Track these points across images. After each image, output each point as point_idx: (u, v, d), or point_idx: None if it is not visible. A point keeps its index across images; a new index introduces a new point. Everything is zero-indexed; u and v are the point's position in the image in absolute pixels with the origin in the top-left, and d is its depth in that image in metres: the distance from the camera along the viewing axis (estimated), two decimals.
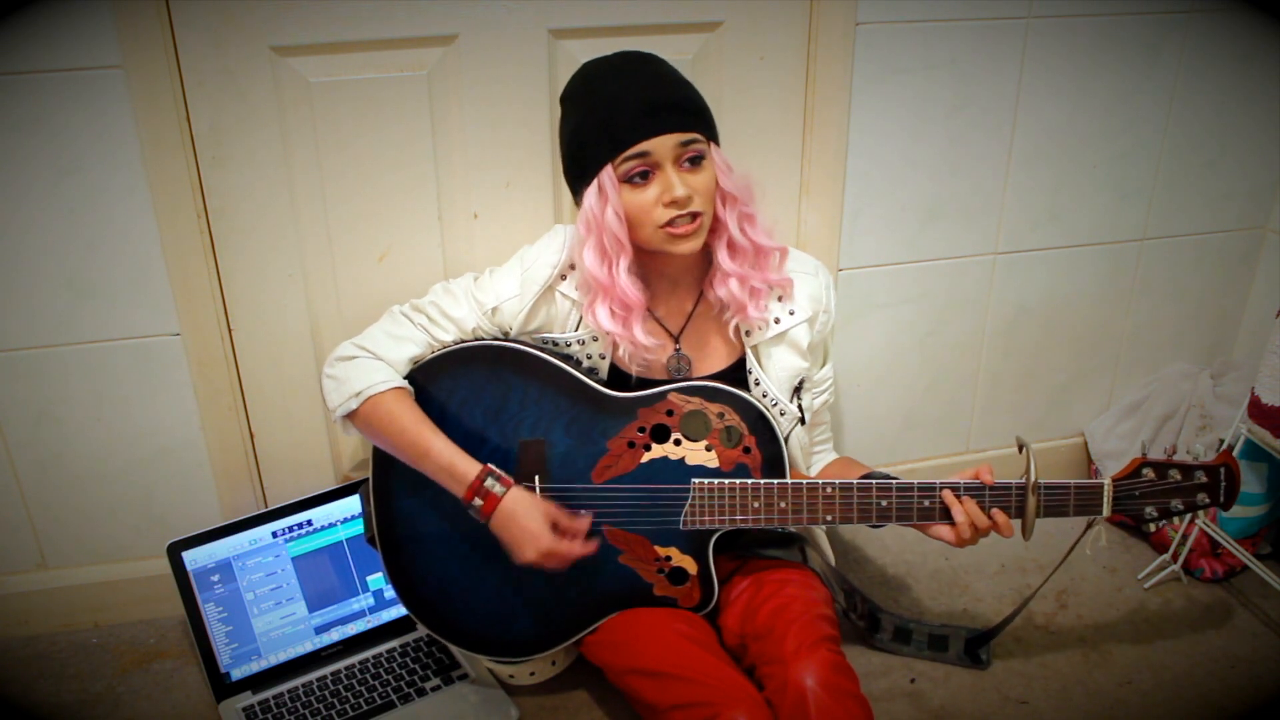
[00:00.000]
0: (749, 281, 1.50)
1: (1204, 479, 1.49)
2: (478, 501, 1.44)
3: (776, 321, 1.55)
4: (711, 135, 1.45)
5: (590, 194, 1.41)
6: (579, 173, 1.44)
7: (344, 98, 1.62)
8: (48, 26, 1.48)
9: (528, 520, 1.43)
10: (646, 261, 1.49)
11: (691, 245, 1.43)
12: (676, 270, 1.53)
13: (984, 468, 1.48)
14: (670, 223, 1.40)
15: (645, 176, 1.40)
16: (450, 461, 1.45)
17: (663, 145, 1.38)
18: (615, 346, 1.51)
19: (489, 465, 1.45)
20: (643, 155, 1.38)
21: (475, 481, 1.44)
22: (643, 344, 1.47)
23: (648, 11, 1.67)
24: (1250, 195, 2.10)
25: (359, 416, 1.49)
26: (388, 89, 1.62)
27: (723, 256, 1.48)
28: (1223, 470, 1.49)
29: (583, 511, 1.49)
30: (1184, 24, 1.90)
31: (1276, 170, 2.08)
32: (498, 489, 1.44)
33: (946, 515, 1.47)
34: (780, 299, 1.55)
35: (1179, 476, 1.49)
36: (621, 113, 1.38)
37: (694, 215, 1.41)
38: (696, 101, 1.44)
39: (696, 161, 1.41)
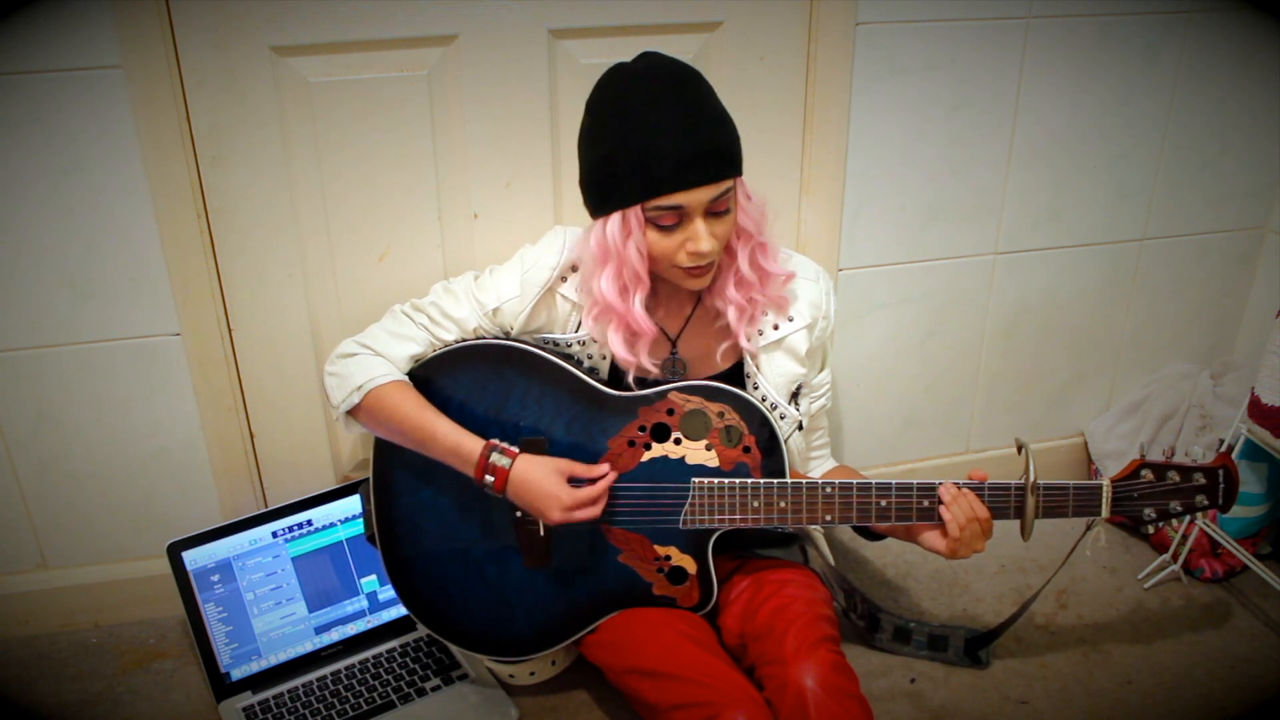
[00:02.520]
0: (747, 311, 1.50)
1: (1202, 481, 1.49)
2: (489, 478, 1.44)
3: (775, 328, 1.55)
4: (740, 171, 1.42)
5: (613, 223, 1.38)
6: (601, 198, 1.40)
7: (344, 98, 1.62)
8: (48, 26, 1.48)
9: (542, 482, 1.43)
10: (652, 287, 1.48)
11: (702, 284, 1.45)
12: None
13: (976, 470, 1.49)
14: (688, 267, 1.41)
15: (672, 222, 1.38)
16: (456, 443, 1.45)
17: (697, 199, 1.36)
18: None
19: (492, 440, 1.45)
20: (675, 208, 1.36)
21: (481, 458, 1.44)
22: (648, 369, 1.47)
23: (648, 11, 1.67)
24: (1250, 195, 2.10)
25: (362, 410, 1.50)
26: (388, 89, 1.63)
27: (730, 285, 1.49)
28: (1221, 472, 1.49)
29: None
30: (1184, 24, 1.90)
31: (1276, 170, 2.08)
32: (504, 462, 1.44)
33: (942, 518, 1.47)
34: (776, 328, 1.55)
35: (1177, 478, 1.49)
36: (660, 157, 1.33)
37: (711, 262, 1.42)
38: (733, 144, 1.40)
39: (724, 210, 1.40)
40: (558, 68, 1.67)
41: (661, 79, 1.37)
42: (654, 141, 1.33)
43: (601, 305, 1.45)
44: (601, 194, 1.40)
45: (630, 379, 1.50)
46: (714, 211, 1.38)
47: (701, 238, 1.37)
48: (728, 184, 1.38)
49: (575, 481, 1.46)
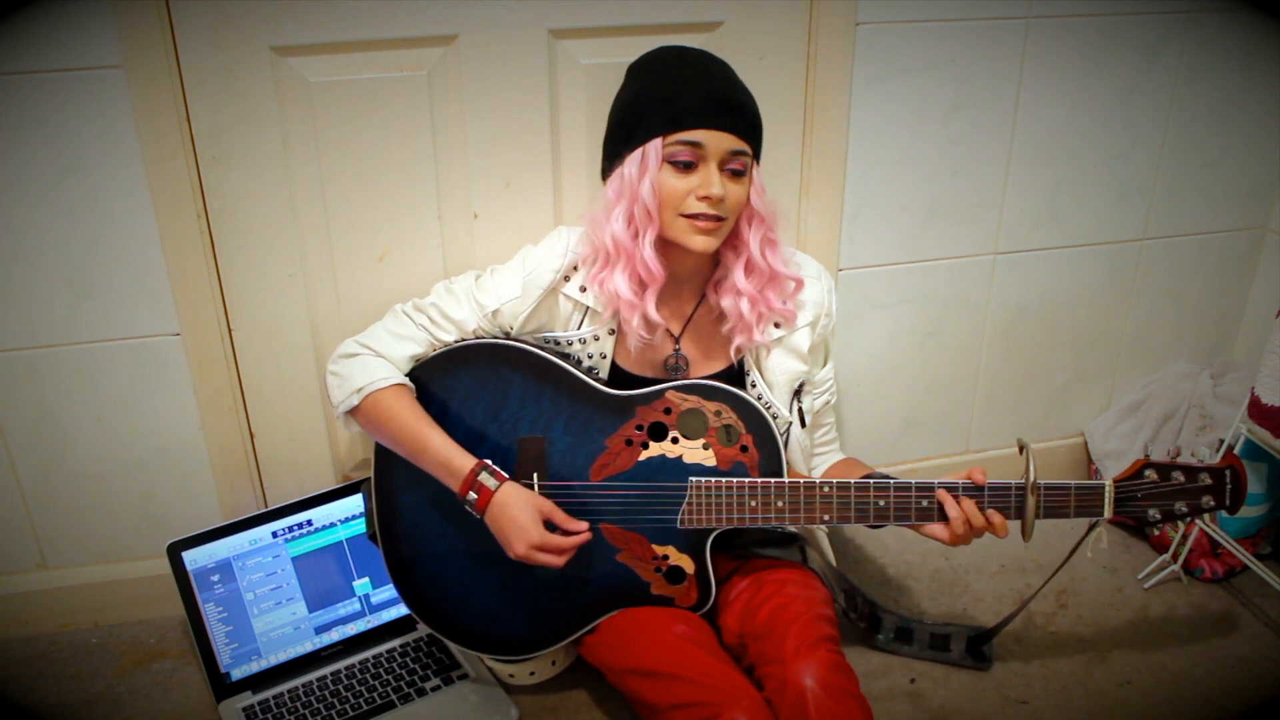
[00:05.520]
0: (759, 305, 1.51)
1: (1209, 481, 1.48)
2: (472, 495, 1.45)
3: (777, 325, 1.55)
4: (757, 154, 1.47)
5: (632, 161, 1.42)
6: (625, 137, 1.44)
7: (344, 98, 1.62)
8: (48, 26, 1.49)
9: (518, 514, 1.44)
10: (659, 254, 1.48)
11: (708, 243, 1.44)
12: (684, 271, 1.53)
13: (977, 469, 1.48)
14: (695, 215, 1.42)
15: (689, 166, 1.41)
16: (447, 457, 1.46)
17: (717, 142, 1.40)
18: (620, 334, 1.52)
19: (484, 460, 1.46)
20: (695, 144, 1.40)
21: (469, 475, 1.45)
22: (653, 319, 1.47)
23: (648, 11, 1.67)
24: (1250, 195, 2.10)
25: (360, 412, 1.50)
26: (388, 89, 1.63)
27: (739, 274, 1.49)
28: (1228, 473, 1.48)
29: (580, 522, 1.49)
30: (1184, 24, 1.90)
31: (1276, 170, 2.08)
32: (491, 483, 1.45)
33: (944, 514, 1.47)
34: (778, 325, 1.55)
35: (1183, 479, 1.48)
36: (690, 95, 1.40)
37: (719, 218, 1.42)
38: (757, 117, 1.47)
39: (738, 173, 1.43)
40: (558, 68, 1.67)
41: (703, 53, 1.49)
42: (688, 82, 1.42)
43: (612, 250, 1.46)
44: (625, 134, 1.44)
45: (637, 333, 1.48)
46: (730, 168, 1.42)
47: (714, 182, 1.40)
48: (746, 146, 1.42)
49: (552, 527, 1.47)
